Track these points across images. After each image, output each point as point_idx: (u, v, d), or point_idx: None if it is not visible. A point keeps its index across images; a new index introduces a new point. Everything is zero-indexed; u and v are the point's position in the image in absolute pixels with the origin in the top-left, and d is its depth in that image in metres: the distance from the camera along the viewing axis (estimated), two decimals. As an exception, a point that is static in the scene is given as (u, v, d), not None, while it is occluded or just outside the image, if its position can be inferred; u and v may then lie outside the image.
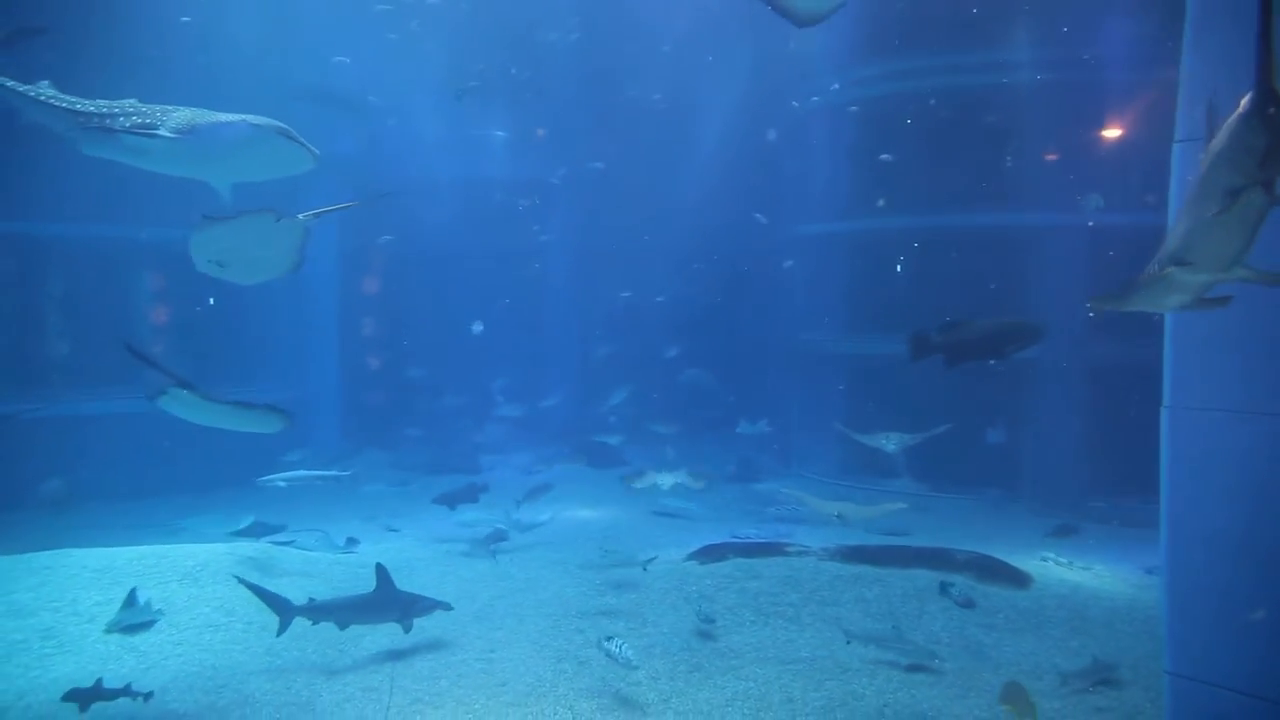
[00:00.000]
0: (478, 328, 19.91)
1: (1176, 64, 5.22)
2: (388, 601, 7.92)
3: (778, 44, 18.36)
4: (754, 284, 21.26)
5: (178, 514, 13.47)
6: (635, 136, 20.72)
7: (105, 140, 7.29)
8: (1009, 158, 16.31)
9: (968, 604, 8.84)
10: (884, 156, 16.30)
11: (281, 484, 11.34)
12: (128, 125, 7.22)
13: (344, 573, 10.36)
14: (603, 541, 12.15)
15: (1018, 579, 9.78)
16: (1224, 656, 4.88)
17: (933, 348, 9.93)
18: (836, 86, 17.95)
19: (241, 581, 8.18)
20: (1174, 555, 5.18)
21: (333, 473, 11.61)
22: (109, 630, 8.08)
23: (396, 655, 7.79)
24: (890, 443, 11.12)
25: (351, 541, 12.00)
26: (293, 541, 12.05)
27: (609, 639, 7.10)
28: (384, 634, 8.33)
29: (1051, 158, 15.89)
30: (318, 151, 6.90)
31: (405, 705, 6.77)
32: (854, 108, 17.59)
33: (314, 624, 7.82)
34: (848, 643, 7.77)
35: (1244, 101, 4.03)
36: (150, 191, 14.52)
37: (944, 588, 9.07)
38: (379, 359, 20.81)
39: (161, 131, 7.13)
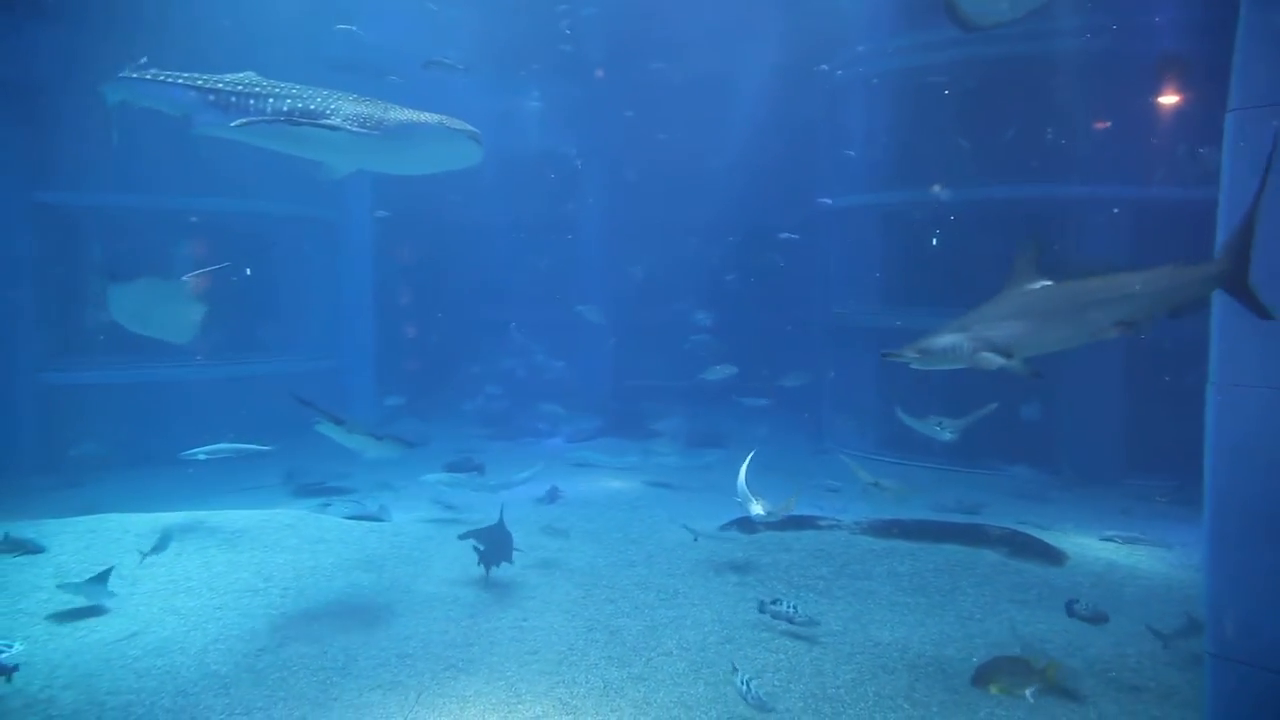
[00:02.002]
0: (516, 332, 20.04)
1: (1229, 31, 5.05)
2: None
3: (813, 15, 18.06)
4: (788, 257, 21.11)
5: (227, 479, 13.70)
6: (669, 108, 20.55)
7: (270, 130, 7.31)
8: (1050, 129, 15.98)
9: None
10: (929, 129, 16.05)
11: (203, 457, 11.43)
12: (309, 116, 7.22)
13: (378, 540, 10.49)
14: (633, 511, 12.24)
15: (1052, 556, 9.71)
16: (1267, 638, 4.81)
17: None
18: (873, 56, 17.64)
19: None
20: (1217, 535, 5.09)
21: (255, 447, 11.73)
22: (60, 588, 8.03)
23: (430, 622, 7.89)
24: (946, 430, 10.35)
25: (384, 510, 12.14)
26: (330, 505, 12.26)
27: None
28: (417, 601, 8.45)
29: (1094, 129, 15.53)
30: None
31: (439, 671, 6.86)
32: (891, 78, 17.30)
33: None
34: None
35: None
36: (192, 162, 14.71)
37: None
38: (414, 328, 20.96)
39: (348, 126, 7.18)
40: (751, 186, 20.40)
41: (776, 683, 6.65)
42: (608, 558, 9.87)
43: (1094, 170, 15.16)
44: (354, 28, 13.95)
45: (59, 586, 8.06)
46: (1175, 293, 5.28)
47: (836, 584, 8.86)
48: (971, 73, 16.04)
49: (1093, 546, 10.49)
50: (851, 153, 18.36)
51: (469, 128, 7.25)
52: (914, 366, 5.92)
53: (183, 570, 9.01)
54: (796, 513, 11.69)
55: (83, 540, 9.67)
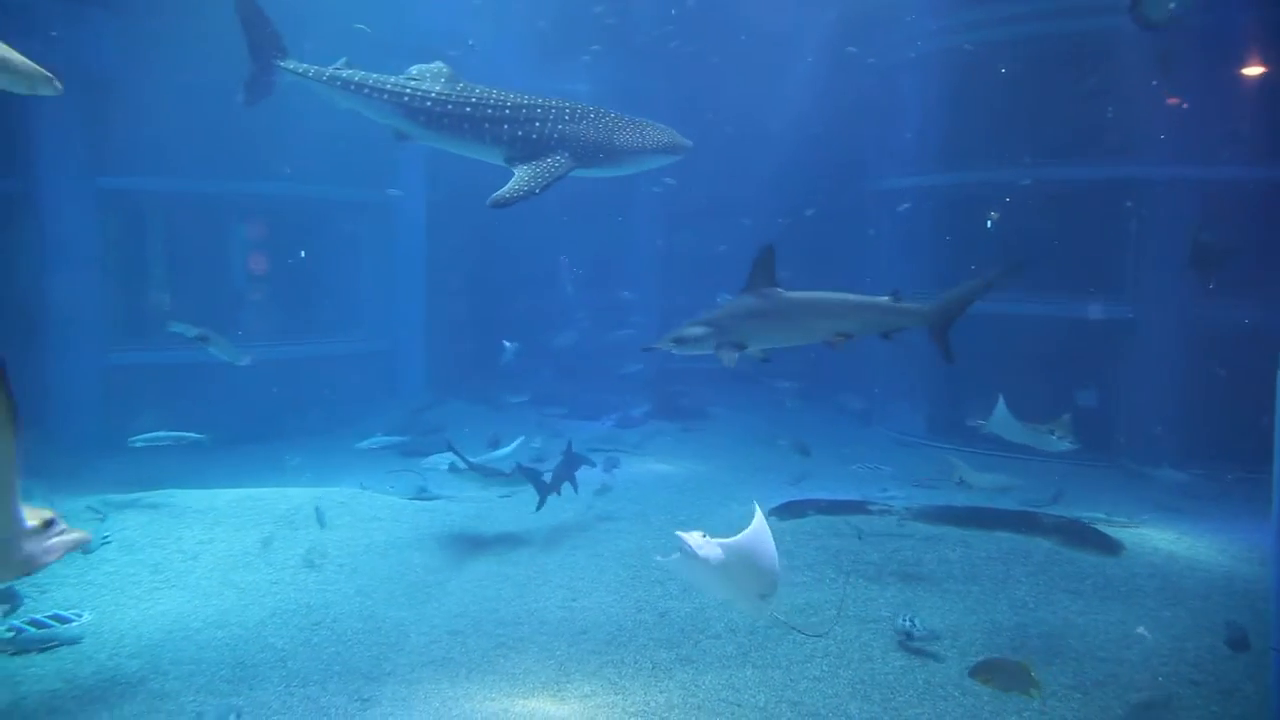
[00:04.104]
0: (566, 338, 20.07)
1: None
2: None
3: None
4: (842, 238, 20.87)
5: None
6: (719, 84, 20.35)
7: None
8: (1110, 108, 15.56)
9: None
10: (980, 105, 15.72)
11: (140, 444, 11.63)
12: (538, 147, 7.61)
13: (430, 518, 10.65)
14: (680, 494, 12.25)
15: (1108, 546, 9.52)
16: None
17: (1218, 255, 9.86)
18: (928, 34, 17.32)
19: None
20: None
21: (192, 435, 11.94)
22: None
23: (481, 601, 8.00)
24: (1063, 440, 9.45)
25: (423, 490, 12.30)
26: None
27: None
28: (468, 579, 8.57)
29: (1157, 107, 15.08)
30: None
31: (489, 649, 6.96)
32: (943, 57, 16.96)
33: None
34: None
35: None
36: (250, 146, 14.97)
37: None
38: (465, 310, 21.07)
39: (580, 164, 7.68)
40: (801, 168, 20.16)
41: (824, 668, 6.63)
42: (656, 539, 9.89)
43: (1157, 149, 14.74)
44: (367, 28, 14.01)
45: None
46: (888, 321, 6.94)
47: (886, 570, 8.79)
48: (1026, 50, 15.67)
49: (1150, 537, 10.27)
50: (904, 134, 18.07)
51: (685, 144, 7.99)
52: (673, 353, 6.95)
53: (240, 546, 9.23)
54: (845, 497, 11.65)
55: (145, 515, 9.96)
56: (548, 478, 10.00)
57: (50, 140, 14.30)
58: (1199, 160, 14.43)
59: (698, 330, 6.67)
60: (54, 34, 13.46)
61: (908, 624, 7.06)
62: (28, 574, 3.50)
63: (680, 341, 6.74)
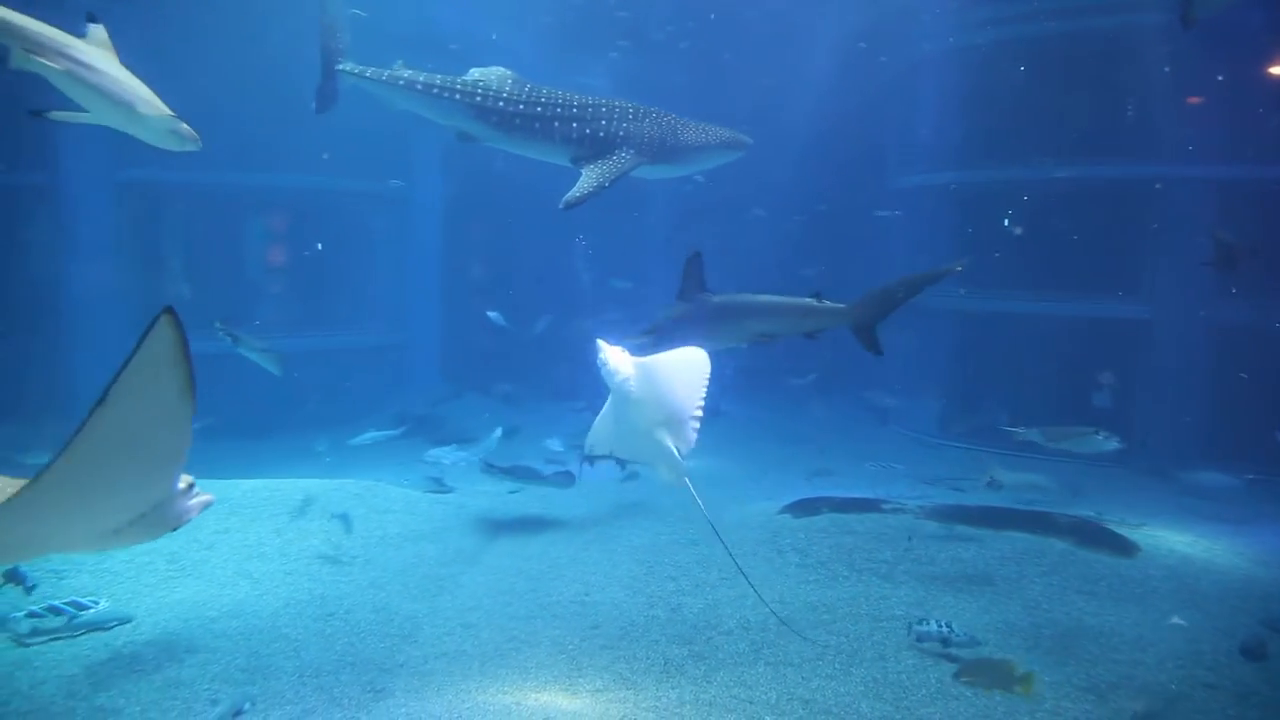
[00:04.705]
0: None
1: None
2: None
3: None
4: (857, 236, 20.80)
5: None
6: (737, 82, 20.30)
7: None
8: (1131, 106, 15.43)
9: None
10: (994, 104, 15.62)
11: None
12: (602, 146, 7.90)
13: (444, 511, 10.68)
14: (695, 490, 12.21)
15: (1122, 547, 9.46)
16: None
17: (1238, 254, 9.86)
18: (946, 32, 17.22)
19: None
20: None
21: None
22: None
23: (494, 594, 8.02)
24: (1109, 440, 9.40)
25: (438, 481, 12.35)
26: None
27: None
28: (481, 572, 8.60)
29: (1178, 106, 14.95)
30: None
31: (502, 642, 6.98)
32: (964, 54, 16.86)
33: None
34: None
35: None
36: (267, 138, 15.04)
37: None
38: (482, 303, 21.12)
39: (644, 161, 7.93)
40: (818, 165, 20.10)
41: (837, 666, 6.62)
42: (670, 534, 9.90)
43: (1179, 148, 14.61)
44: (363, 13, 14.06)
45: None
46: (810, 321, 7.22)
47: (899, 568, 8.76)
48: (1045, 48, 15.55)
49: (1166, 539, 10.20)
50: (923, 131, 17.98)
51: (746, 141, 8.26)
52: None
53: (255, 536, 9.28)
54: (859, 494, 11.62)
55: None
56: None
57: (71, 133, 14.40)
58: (1219, 159, 14.31)
59: (643, 340, 7.04)
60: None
61: (944, 629, 6.76)
62: (173, 529, 3.81)
63: (629, 350, 6.94)
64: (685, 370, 5.99)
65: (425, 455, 12.99)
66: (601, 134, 7.81)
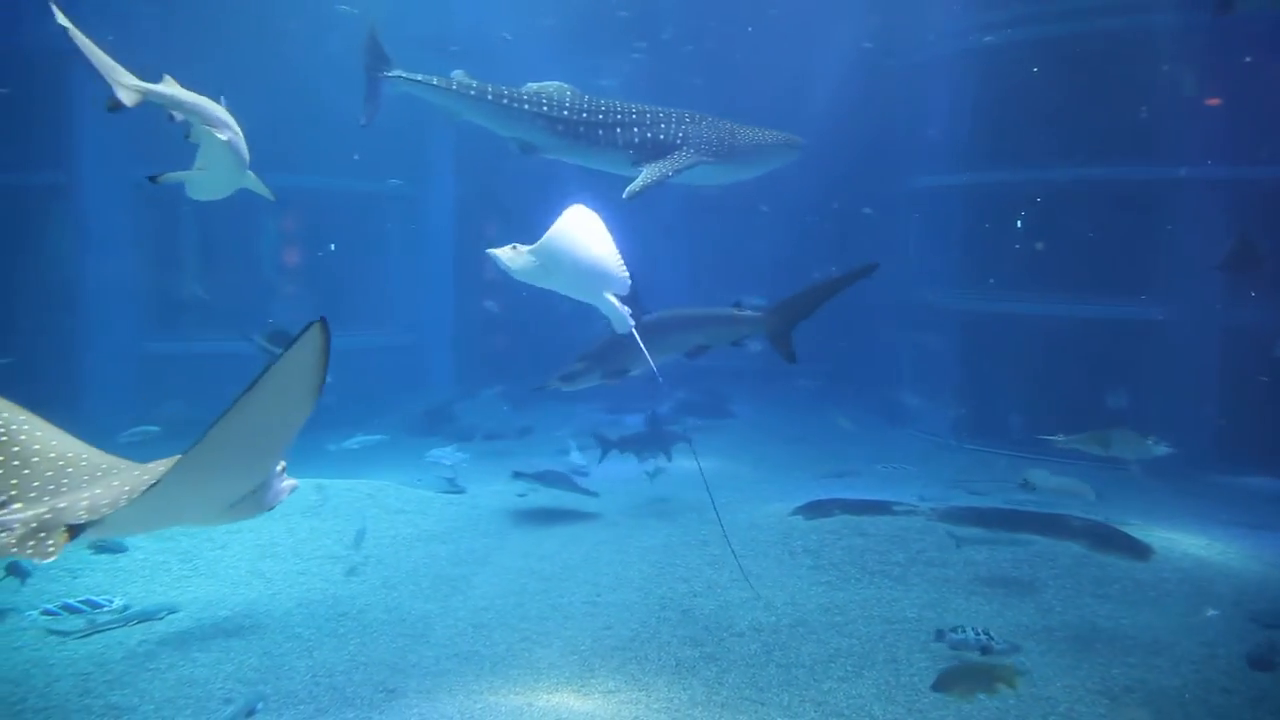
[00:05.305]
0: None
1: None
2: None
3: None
4: (867, 237, 20.74)
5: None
6: (746, 81, 20.26)
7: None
8: (1144, 107, 15.33)
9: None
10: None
11: None
12: (663, 149, 8.21)
13: (456, 512, 10.71)
14: (706, 491, 12.20)
15: (1137, 550, 9.40)
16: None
17: (1263, 256, 9.84)
18: (958, 33, 17.16)
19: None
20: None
21: None
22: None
23: (506, 595, 8.04)
24: (1160, 445, 9.12)
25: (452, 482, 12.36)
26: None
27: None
28: (493, 573, 8.62)
29: (1190, 107, 14.84)
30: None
31: (514, 642, 6.99)
32: (977, 55, 16.79)
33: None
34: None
35: None
36: (280, 139, 15.06)
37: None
38: (497, 303, 21.13)
39: (705, 160, 8.14)
40: (829, 166, 20.04)
41: (849, 668, 6.61)
42: (681, 536, 9.90)
43: (1192, 150, 14.52)
44: (354, 9, 14.04)
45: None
46: (732, 330, 7.57)
47: (912, 570, 8.74)
48: (1059, 49, 15.46)
49: (1181, 542, 10.12)
50: (934, 132, 17.92)
51: (800, 142, 8.54)
52: (563, 389, 7.65)
53: (269, 535, 9.33)
54: (871, 496, 11.58)
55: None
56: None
57: (89, 132, 14.53)
58: (1235, 160, 14.21)
59: (580, 366, 7.41)
60: (110, 38, 13.66)
61: (982, 636, 6.56)
62: (269, 509, 4.14)
63: (567, 379, 7.44)
64: (575, 229, 6.17)
65: (426, 455, 13.02)
66: (662, 137, 8.11)
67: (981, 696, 6.15)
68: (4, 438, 4.04)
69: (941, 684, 6.03)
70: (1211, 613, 7.38)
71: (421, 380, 18.95)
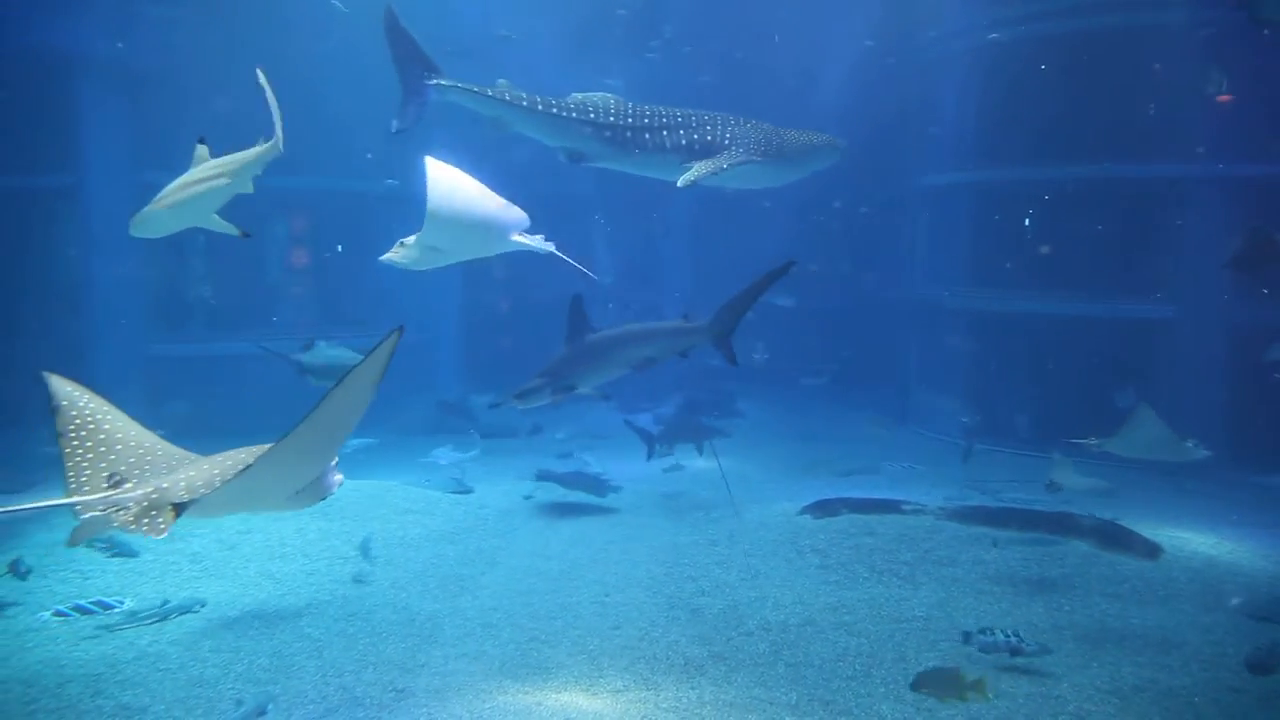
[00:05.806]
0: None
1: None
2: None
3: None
4: (873, 236, 20.73)
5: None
6: (753, 80, 20.24)
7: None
8: (1152, 105, 15.27)
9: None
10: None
11: None
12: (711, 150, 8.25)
13: (464, 512, 10.73)
14: (714, 490, 12.21)
15: (1146, 549, 9.33)
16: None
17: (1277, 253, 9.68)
18: (966, 31, 17.11)
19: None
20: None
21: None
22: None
23: (514, 595, 8.05)
24: (1198, 448, 9.05)
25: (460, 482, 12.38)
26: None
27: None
28: (501, 573, 8.63)
29: (1198, 105, 14.77)
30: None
31: (523, 642, 7.00)
32: (984, 53, 16.74)
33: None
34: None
35: None
36: (288, 142, 15.09)
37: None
38: (505, 305, 21.15)
39: (754, 158, 8.26)
40: (837, 165, 20.03)
41: (858, 667, 6.61)
42: (690, 535, 9.90)
43: (1204, 147, 14.45)
44: (345, 8, 14.02)
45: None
46: (679, 342, 7.63)
47: (920, 570, 8.73)
48: (1068, 47, 15.40)
49: (1191, 540, 10.10)
50: (942, 130, 17.88)
51: (842, 143, 8.68)
52: (519, 408, 7.64)
53: (278, 536, 9.36)
54: (880, 495, 11.57)
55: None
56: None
57: (95, 135, 14.57)
58: (1245, 157, 14.15)
59: (535, 384, 7.51)
60: (119, 45, 13.76)
61: (1013, 639, 6.50)
62: (323, 499, 4.32)
63: (522, 396, 7.49)
64: (448, 189, 6.70)
65: (430, 455, 13.05)
66: (710, 139, 8.23)
67: (990, 695, 6.15)
68: (91, 423, 4.33)
69: (919, 685, 6.03)
70: (1235, 602, 7.38)
71: (429, 381, 18.98)
